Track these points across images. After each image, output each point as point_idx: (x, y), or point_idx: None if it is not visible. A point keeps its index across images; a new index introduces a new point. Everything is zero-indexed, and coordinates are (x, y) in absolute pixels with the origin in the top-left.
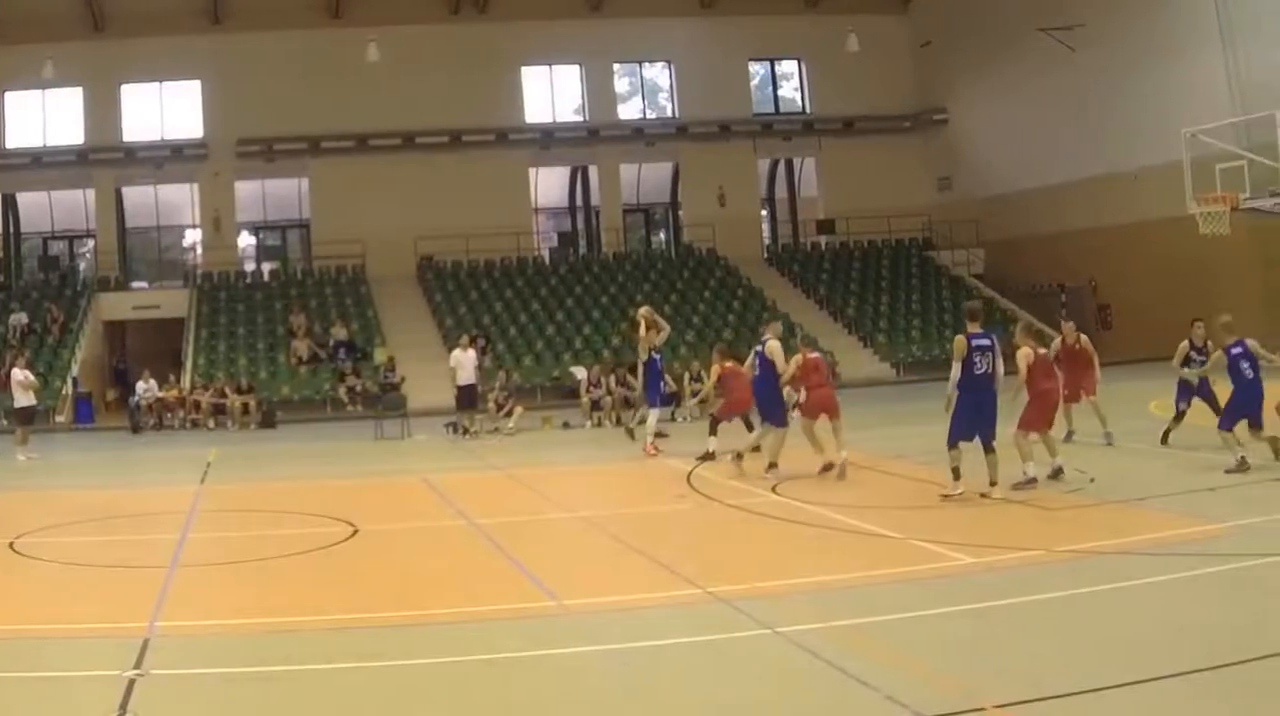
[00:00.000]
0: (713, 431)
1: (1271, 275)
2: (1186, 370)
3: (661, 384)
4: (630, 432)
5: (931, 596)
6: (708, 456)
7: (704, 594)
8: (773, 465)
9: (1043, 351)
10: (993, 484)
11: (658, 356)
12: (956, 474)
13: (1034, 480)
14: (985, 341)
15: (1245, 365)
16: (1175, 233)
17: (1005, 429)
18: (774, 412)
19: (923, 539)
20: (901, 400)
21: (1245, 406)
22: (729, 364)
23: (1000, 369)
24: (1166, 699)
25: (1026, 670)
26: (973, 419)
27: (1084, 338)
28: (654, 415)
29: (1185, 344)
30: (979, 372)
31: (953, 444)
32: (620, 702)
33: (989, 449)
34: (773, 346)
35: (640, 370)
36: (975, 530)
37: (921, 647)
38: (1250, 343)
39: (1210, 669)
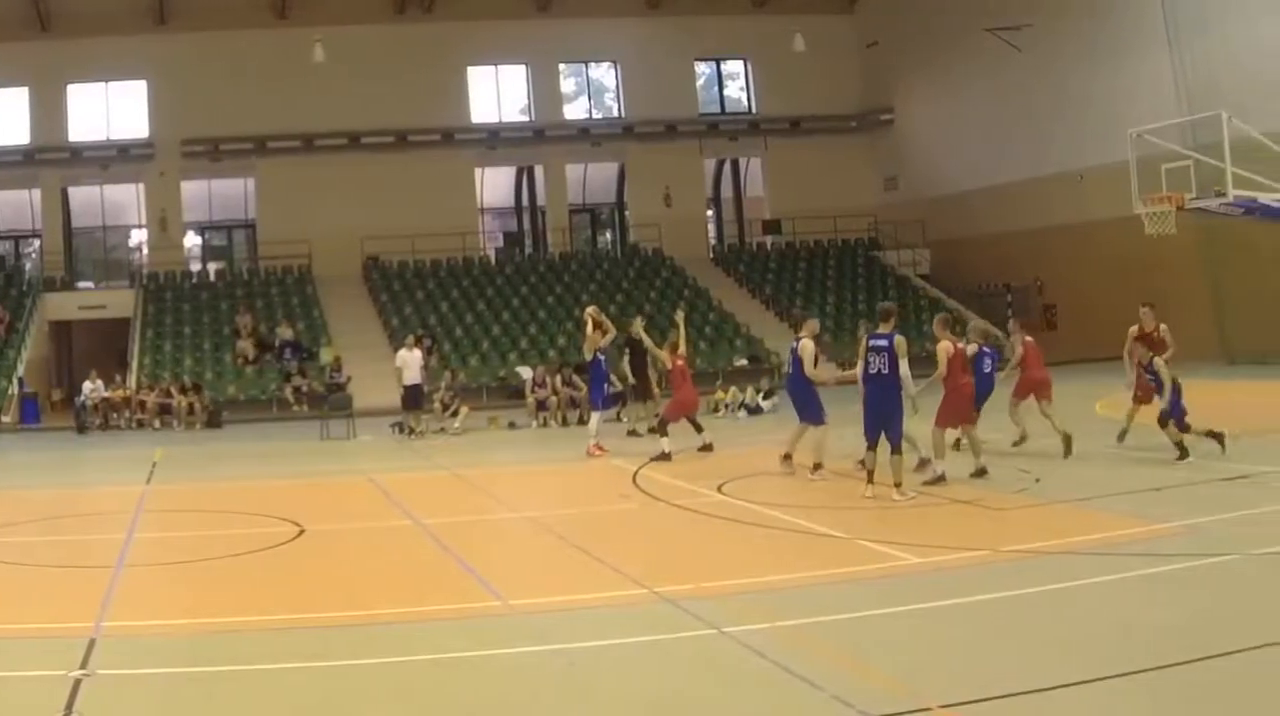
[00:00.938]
0: (663, 432)
1: (1217, 275)
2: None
3: (606, 385)
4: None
5: (878, 596)
6: (663, 457)
7: (650, 593)
8: (818, 465)
9: (961, 345)
10: (896, 485)
11: (602, 357)
12: (870, 477)
13: (942, 477)
14: (880, 342)
15: (987, 363)
16: (1121, 233)
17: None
18: (810, 411)
19: (869, 539)
20: (848, 400)
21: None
22: (679, 362)
23: (902, 368)
24: (1113, 698)
25: (972, 670)
26: (872, 417)
27: (1164, 326)
28: (597, 417)
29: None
30: (871, 372)
31: (869, 444)
32: (566, 702)
33: (894, 449)
34: (805, 345)
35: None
36: (921, 530)
37: (868, 647)
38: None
39: (1156, 669)
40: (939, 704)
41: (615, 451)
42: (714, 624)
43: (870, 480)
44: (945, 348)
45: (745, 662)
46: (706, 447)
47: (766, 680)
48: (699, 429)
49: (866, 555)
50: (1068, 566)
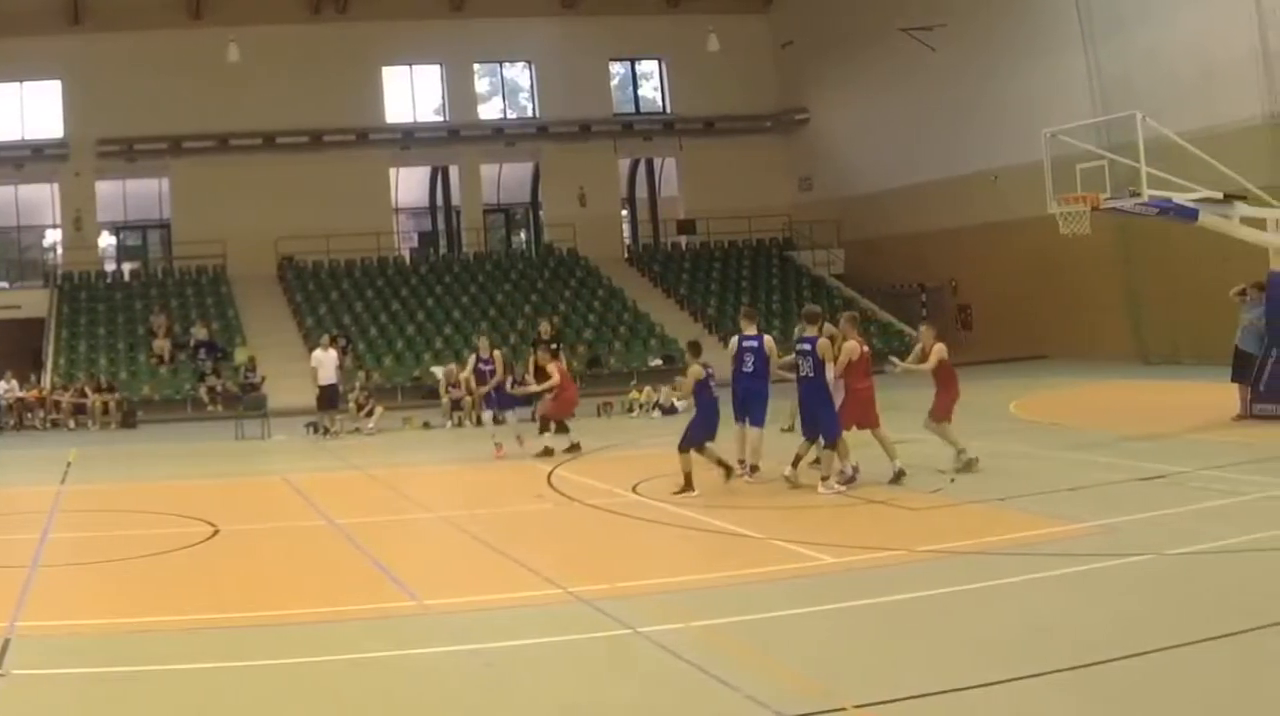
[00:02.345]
0: (543, 430)
1: (1131, 275)
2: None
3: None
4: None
5: (793, 596)
6: (547, 452)
7: (565, 594)
8: (754, 468)
9: (865, 349)
10: (823, 479)
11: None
12: (797, 460)
13: (853, 478)
14: (804, 346)
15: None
16: (1036, 233)
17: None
18: (762, 414)
19: (784, 539)
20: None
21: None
22: (557, 363)
23: (828, 372)
24: (1027, 698)
25: (887, 670)
26: (806, 415)
27: (940, 346)
28: (513, 416)
29: None
30: (800, 374)
31: (805, 437)
32: (481, 703)
33: (826, 443)
34: (767, 341)
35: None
36: (836, 530)
37: (782, 647)
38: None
39: (1071, 669)
40: (854, 703)
41: (528, 452)
42: (629, 624)
43: (795, 464)
44: (851, 347)
45: (660, 662)
46: (546, 453)
47: (681, 680)
48: (567, 431)
49: (781, 555)
50: (983, 566)
